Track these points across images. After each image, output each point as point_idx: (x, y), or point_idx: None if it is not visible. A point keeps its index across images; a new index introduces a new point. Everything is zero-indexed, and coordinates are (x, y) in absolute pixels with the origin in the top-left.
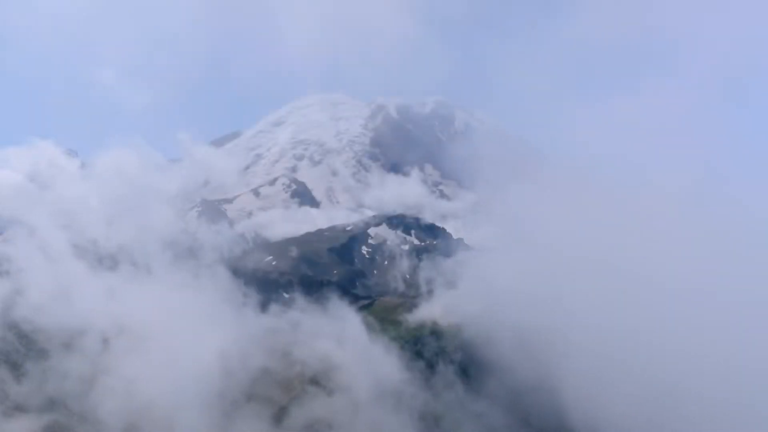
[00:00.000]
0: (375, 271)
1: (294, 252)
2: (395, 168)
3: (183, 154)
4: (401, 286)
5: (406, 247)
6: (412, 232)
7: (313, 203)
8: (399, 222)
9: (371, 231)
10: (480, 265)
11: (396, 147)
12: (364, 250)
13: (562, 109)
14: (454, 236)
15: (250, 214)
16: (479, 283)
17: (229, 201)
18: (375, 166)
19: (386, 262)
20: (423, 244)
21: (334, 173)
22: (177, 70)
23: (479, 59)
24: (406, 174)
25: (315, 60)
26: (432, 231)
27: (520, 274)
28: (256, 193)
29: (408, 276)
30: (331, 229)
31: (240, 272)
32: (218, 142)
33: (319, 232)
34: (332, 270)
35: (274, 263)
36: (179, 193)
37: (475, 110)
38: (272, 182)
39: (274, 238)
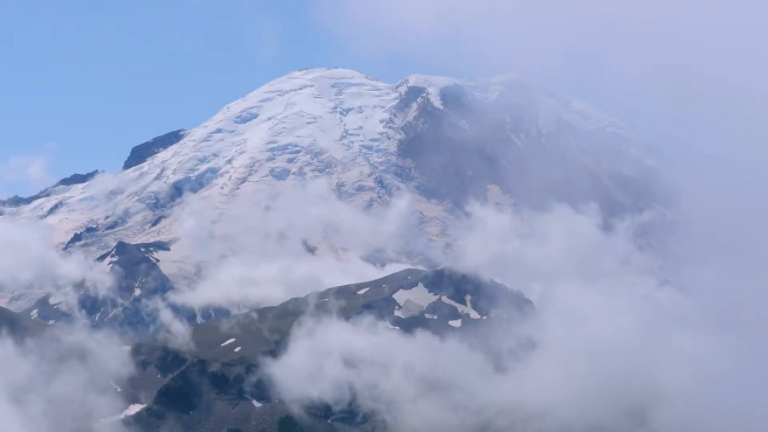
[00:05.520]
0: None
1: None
2: (437, 192)
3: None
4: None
5: (457, 323)
6: (467, 298)
7: (304, 251)
8: (445, 281)
9: (399, 296)
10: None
11: (439, 158)
12: (384, 324)
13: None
14: (540, 305)
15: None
16: None
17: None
18: (405, 189)
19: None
20: (483, 318)
21: (339, 199)
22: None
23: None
24: (455, 202)
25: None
26: (499, 297)
27: None
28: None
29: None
30: (325, 294)
31: None
32: (142, 152)
33: (293, 303)
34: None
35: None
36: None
37: (570, 97)
38: (226, 216)
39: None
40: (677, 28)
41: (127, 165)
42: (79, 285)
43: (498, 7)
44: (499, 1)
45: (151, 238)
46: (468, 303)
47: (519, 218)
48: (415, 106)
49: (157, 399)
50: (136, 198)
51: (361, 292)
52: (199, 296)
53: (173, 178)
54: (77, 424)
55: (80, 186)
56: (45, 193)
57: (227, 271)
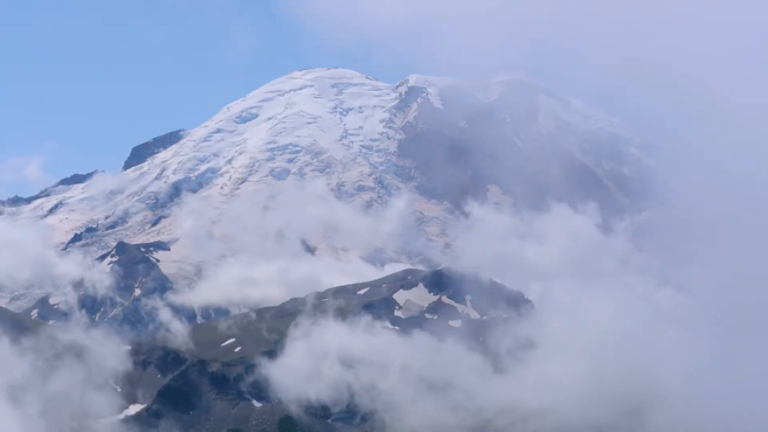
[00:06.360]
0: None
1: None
2: (437, 192)
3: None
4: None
5: (457, 323)
6: (467, 298)
7: (303, 251)
8: (445, 281)
9: (399, 296)
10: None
11: (439, 158)
12: (383, 325)
13: None
14: (539, 305)
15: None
16: None
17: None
18: (405, 189)
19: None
20: (483, 318)
21: (339, 199)
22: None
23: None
24: (455, 202)
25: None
26: (499, 297)
27: None
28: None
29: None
30: (325, 294)
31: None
32: (142, 152)
33: (292, 303)
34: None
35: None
36: None
37: (570, 96)
38: (226, 216)
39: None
40: (677, 26)
41: (127, 165)
42: (78, 285)
43: None
44: None
45: (151, 238)
46: (468, 303)
47: (518, 218)
48: (415, 106)
49: (156, 399)
50: (136, 198)
51: (361, 292)
52: (198, 296)
53: (173, 178)
54: (77, 423)
55: (80, 186)
56: (45, 193)
57: (227, 271)
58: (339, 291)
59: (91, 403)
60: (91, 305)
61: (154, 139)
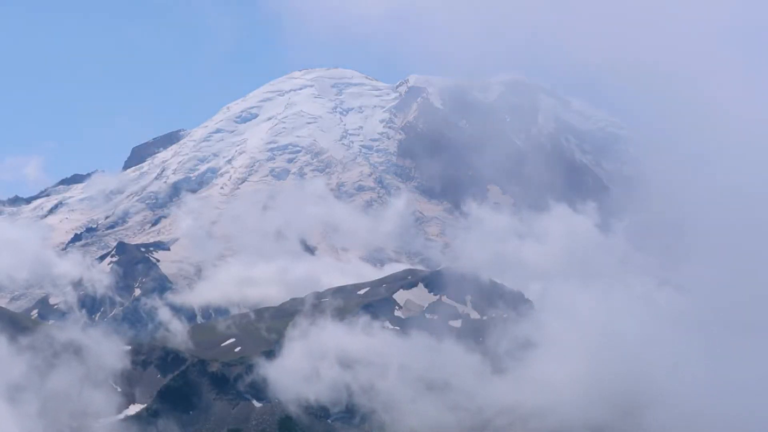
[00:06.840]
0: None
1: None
2: (437, 192)
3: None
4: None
5: (457, 323)
6: (467, 298)
7: (302, 251)
8: (445, 281)
9: (399, 296)
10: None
11: (439, 158)
12: (383, 325)
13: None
14: (538, 305)
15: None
16: None
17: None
18: (405, 189)
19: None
20: (483, 318)
21: (339, 199)
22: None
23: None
24: (455, 202)
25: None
26: (499, 297)
27: None
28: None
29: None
30: (324, 294)
31: None
32: (142, 152)
33: (292, 303)
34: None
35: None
36: None
37: (569, 95)
38: (226, 216)
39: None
40: (677, 27)
41: (127, 165)
42: (78, 284)
43: None
44: None
45: (151, 238)
46: (468, 303)
47: (518, 218)
48: (415, 106)
49: (156, 399)
50: (136, 198)
51: (361, 292)
52: (198, 296)
53: (173, 179)
54: (76, 423)
55: (80, 186)
56: (45, 193)
57: (226, 271)
58: (338, 291)
59: (90, 402)
60: (90, 305)
61: (154, 139)
